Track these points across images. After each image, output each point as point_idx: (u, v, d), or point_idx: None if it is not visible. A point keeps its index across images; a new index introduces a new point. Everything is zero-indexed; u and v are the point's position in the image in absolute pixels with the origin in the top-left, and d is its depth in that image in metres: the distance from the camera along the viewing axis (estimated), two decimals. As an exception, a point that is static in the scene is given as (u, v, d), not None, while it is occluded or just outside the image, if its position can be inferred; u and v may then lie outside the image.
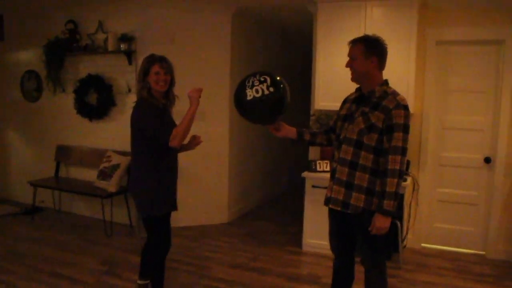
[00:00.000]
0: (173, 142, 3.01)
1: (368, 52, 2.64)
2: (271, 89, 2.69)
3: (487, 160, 4.55)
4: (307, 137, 3.04)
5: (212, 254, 4.62)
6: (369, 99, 2.68)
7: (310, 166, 4.58)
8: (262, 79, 2.71)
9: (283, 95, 2.74)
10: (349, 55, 2.72)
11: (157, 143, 3.06)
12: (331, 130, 3.05)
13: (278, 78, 2.77)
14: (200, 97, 3.07)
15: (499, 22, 4.34)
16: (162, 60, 3.13)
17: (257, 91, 2.68)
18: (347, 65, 2.73)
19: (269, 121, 2.90)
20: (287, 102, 2.78)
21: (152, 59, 3.12)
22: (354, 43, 2.72)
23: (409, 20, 4.18)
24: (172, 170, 3.25)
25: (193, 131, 3.17)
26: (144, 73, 3.11)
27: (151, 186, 3.13)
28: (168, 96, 3.23)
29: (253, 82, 2.71)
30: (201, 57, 5.33)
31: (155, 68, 3.09)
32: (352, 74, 2.74)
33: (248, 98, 2.70)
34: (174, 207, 3.33)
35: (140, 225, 4.98)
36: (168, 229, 3.32)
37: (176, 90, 3.30)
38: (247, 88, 2.72)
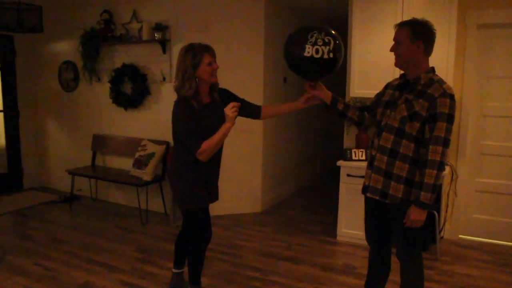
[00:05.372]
0: (201, 156, 2.82)
1: (415, 36, 2.52)
2: (331, 55, 2.59)
3: (531, 149, 4.38)
4: (340, 106, 2.94)
5: (246, 243, 4.62)
6: (413, 86, 2.57)
7: (345, 155, 4.50)
8: (326, 40, 2.58)
9: (339, 61, 2.66)
10: (395, 39, 2.60)
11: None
12: (366, 108, 2.97)
13: (339, 43, 2.67)
14: (237, 115, 2.83)
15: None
16: (210, 48, 2.84)
17: (317, 51, 2.56)
18: (391, 50, 2.62)
19: (314, 79, 2.81)
20: (338, 66, 2.71)
21: (200, 49, 2.81)
22: (400, 26, 2.59)
23: (449, 3, 4.02)
24: (212, 163, 3.00)
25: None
26: (194, 67, 2.78)
27: (189, 181, 2.99)
28: (214, 87, 2.99)
29: (316, 39, 2.58)
30: (235, 44, 5.31)
31: (207, 58, 2.80)
32: (396, 59, 2.62)
33: (305, 54, 2.58)
34: (214, 198, 3.19)
35: (175, 214, 5.02)
36: (208, 219, 3.16)
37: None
38: (308, 42, 2.58)
